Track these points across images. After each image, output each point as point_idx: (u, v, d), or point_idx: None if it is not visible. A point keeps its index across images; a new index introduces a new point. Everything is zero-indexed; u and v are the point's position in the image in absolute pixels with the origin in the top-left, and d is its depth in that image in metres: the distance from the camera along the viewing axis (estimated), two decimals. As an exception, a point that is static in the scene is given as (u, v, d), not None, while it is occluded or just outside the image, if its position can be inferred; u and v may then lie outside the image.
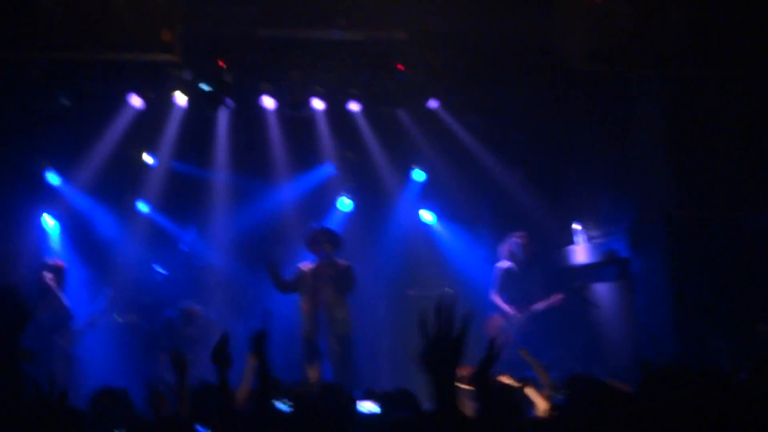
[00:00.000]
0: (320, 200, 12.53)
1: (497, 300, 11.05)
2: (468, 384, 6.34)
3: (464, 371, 6.48)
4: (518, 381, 6.23)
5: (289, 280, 10.00)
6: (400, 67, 10.52)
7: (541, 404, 6.15)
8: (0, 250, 10.60)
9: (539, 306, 10.86)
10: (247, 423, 4.25)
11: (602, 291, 10.79)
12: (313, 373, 8.02)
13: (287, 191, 12.35)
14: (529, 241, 11.06)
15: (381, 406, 5.03)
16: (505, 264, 11.12)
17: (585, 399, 5.10)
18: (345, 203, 12.45)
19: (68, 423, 4.61)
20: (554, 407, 5.32)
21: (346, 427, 4.59)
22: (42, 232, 11.33)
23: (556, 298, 10.80)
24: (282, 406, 5.27)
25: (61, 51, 8.73)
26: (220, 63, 10.20)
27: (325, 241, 9.99)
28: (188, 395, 5.39)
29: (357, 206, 12.53)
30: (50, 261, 10.40)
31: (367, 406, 5.03)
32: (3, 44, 8.44)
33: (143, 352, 10.94)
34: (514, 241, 11.12)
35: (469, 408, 6.62)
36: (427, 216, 12.77)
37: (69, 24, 8.36)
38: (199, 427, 5.22)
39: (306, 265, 10.11)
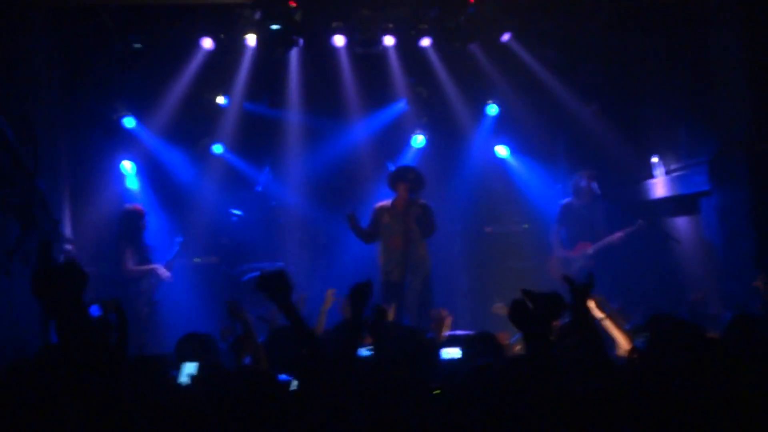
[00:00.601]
0: (394, 137, 12.48)
1: (552, 238, 11.05)
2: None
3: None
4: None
5: (370, 229, 9.90)
6: (471, 0, 10.31)
7: (622, 342, 6.05)
8: (82, 196, 10.74)
9: (600, 244, 10.76)
10: (333, 369, 4.25)
11: (683, 225, 10.60)
12: (390, 314, 7.98)
13: (360, 129, 12.33)
14: (593, 177, 10.92)
15: (462, 351, 5.01)
16: (564, 200, 11.06)
17: (668, 342, 5.02)
18: (418, 140, 12.37)
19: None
20: (635, 350, 5.23)
21: (431, 374, 4.58)
22: (121, 177, 11.46)
23: (617, 235, 10.67)
24: (364, 351, 5.29)
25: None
26: (291, 2, 10.11)
27: (408, 179, 9.80)
28: (257, 346, 5.45)
29: (431, 143, 12.44)
30: (130, 206, 10.54)
31: (450, 352, 5.02)
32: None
33: (224, 297, 11.10)
34: (577, 177, 11.02)
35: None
36: (502, 151, 12.65)
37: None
38: (281, 376, 5.27)
39: (384, 204, 9.99)
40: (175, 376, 5.28)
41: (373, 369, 4.49)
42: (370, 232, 9.90)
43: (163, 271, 10.27)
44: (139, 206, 10.58)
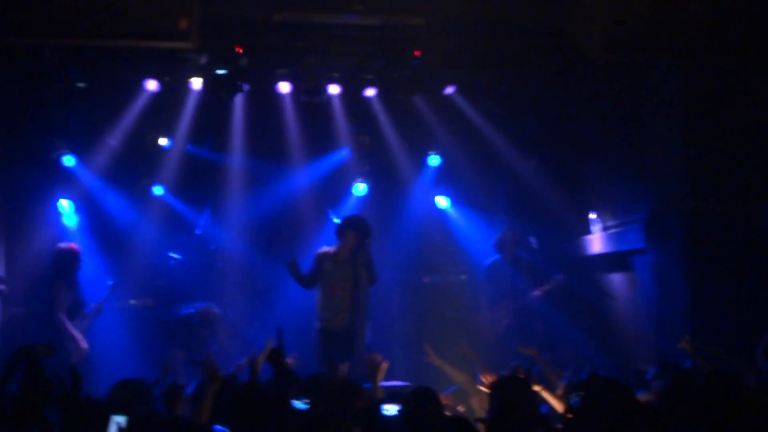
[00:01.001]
0: (335, 185, 12.52)
1: (481, 298, 11.44)
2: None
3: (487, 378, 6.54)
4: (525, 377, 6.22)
5: (311, 274, 9.83)
6: (416, 53, 10.42)
7: (556, 406, 6.14)
8: (17, 234, 10.57)
9: (519, 303, 10.91)
10: (268, 422, 4.23)
11: (618, 282, 10.76)
12: (342, 369, 7.96)
13: (302, 176, 12.34)
14: (513, 234, 11.08)
15: (401, 407, 5.01)
16: (490, 260, 11.34)
17: (601, 401, 5.09)
18: (360, 188, 12.42)
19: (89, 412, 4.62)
20: (570, 410, 5.29)
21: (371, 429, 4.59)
22: (58, 216, 11.30)
23: (535, 293, 10.82)
24: (299, 404, 5.27)
25: (76, 38, 8.72)
26: (237, 48, 10.14)
27: (359, 228, 9.76)
28: (210, 402, 5.41)
29: (372, 191, 12.50)
30: (65, 245, 10.38)
31: (389, 409, 5.01)
32: (18, 29, 8.42)
33: (157, 340, 10.99)
34: (501, 233, 11.20)
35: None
36: (442, 202, 12.75)
37: (84, 11, 8.34)
38: (217, 427, 5.24)
39: (327, 251, 9.93)
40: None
41: (309, 423, 4.48)
42: (311, 278, 9.83)
43: (82, 345, 9.98)
44: (74, 245, 10.41)
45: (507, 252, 11.12)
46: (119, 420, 5.14)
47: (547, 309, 11.08)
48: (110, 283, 10.64)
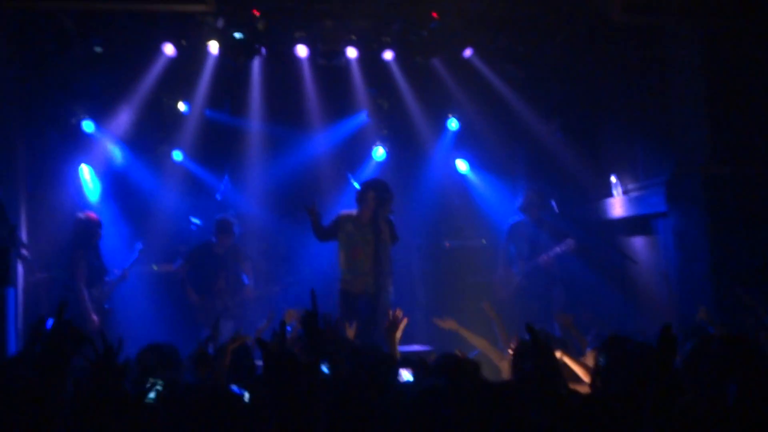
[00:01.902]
0: (354, 149, 12.51)
1: (499, 256, 11.34)
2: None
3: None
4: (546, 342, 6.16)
5: (329, 229, 9.80)
6: (434, 15, 10.35)
7: (579, 372, 6.10)
8: (38, 200, 10.60)
9: (530, 263, 10.87)
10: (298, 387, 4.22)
11: (639, 246, 10.71)
12: (350, 332, 7.92)
13: (321, 140, 12.33)
14: (539, 196, 11.01)
15: (414, 374, 4.99)
16: (514, 219, 11.26)
17: (624, 362, 5.06)
18: (379, 152, 12.40)
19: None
20: (598, 371, 5.26)
21: (386, 396, 4.57)
22: (78, 182, 11.33)
23: (543, 257, 10.76)
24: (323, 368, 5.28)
25: (95, 2, 8.71)
26: (254, 11, 10.09)
27: (379, 192, 9.63)
28: (223, 364, 5.43)
29: (391, 155, 12.48)
30: (84, 215, 10.40)
31: (405, 375, 5.00)
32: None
33: (179, 306, 11.04)
34: (524, 193, 11.13)
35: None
36: (462, 166, 12.71)
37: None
38: (234, 387, 5.26)
39: (349, 213, 9.83)
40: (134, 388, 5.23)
41: (332, 389, 4.46)
42: (327, 232, 9.75)
43: (92, 317, 9.94)
44: (92, 215, 10.41)
45: (531, 213, 11.03)
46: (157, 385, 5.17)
47: (566, 272, 11.04)
48: (139, 247, 10.67)
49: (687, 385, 4.58)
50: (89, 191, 11.34)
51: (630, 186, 10.77)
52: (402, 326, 6.65)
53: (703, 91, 9.35)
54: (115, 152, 11.52)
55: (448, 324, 8.42)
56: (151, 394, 4.62)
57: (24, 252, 9.88)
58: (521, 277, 10.94)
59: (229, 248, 10.98)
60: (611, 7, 9.02)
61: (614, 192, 10.97)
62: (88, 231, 10.20)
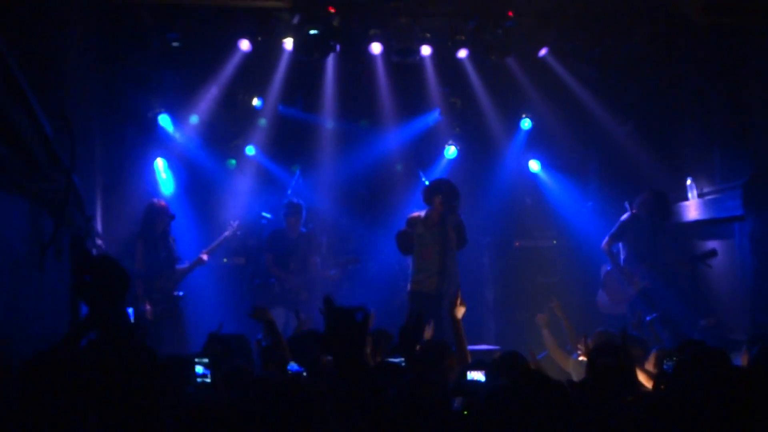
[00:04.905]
0: (426, 147, 12.51)
1: (610, 249, 10.82)
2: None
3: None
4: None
5: (404, 240, 9.78)
6: (509, 13, 10.28)
7: (641, 377, 6.00)
8: (114, 191, 10.78)
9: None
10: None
11: (716, 250, 10.50)
12: (427, 332, 7.90)
13: (393, 137, 12.35)
14: (654, 199, 10.67)
15: (486, 375, 4.97)
16: (628, 214, 10.83)
17: (695, 367, 4.98)
18: (451, 151, 12.38)
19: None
20: (663, 375, 5.21)
21: (456, 394, 4.57)
22: (153, 174, 11.52)
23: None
24: (396, 360, 5.33)
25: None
26: (330, 8, 10.13)
27: (444, 193, 9.59)
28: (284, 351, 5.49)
29: (463, 154, 12.45)
30: (153, 201, 10.56)
31: (475, 376, 4.99)
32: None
33: (247, 298, 11.15)
34: (643, 197, 10.74)
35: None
36: (534, 166, 12.63)
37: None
38: (293, 365, 5.32)
39: (418, 215, 9.83)
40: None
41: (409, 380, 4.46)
42: (408, 245, 9.79)
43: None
44: (162, 202, 10.53)
45: (644, 215, 10.66)
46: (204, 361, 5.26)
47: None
48: (236, 222, 10.99)
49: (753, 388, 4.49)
50: (164, 184, 11.51)
51: (706, 189, 10.57)
52: (461, 309, 6.63)
53: (785, 93, 9.15)
54: (190, 146, 11.68)
55: (542, 319, 8.41)
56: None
57: (99, 242, 10.05)
58: (645, 283, 10.54)
59: (301, 234, 11.08)
60: (692, 7, 8.88)
61: (689, 195, 10.78)
62: (153, 218, 10.32)
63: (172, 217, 10.38)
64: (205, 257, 10.59)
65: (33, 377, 3.84)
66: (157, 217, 10.36)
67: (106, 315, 2.94)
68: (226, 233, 10.87)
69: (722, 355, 5.19)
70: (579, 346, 7.10)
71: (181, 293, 10.36)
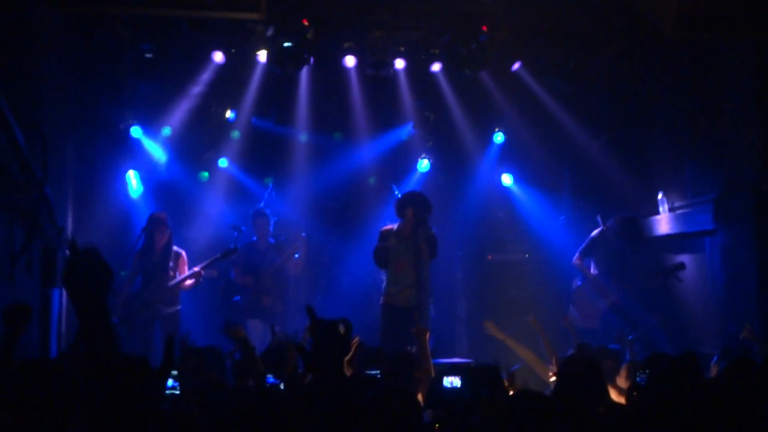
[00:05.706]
0: (399, 160, 12.51)
1: (580, 264, 10.86)
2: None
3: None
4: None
5: (380, 253, 9.70)
6: (483, 28, 10.31)
7: (614, 394, 6.03)
8: (85, 202, 10.72)
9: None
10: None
11: (686, 264, 10.56)
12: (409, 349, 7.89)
13: (366, 150, 12.35)
14: (623, 225, 10.70)
15: (462, 380, 4.98)
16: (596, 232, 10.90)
17: (666, 380, 5.01)
18: (424, 164, 12.40)
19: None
20: (635, 387, 5.23)
21: (431, 400, 4.58)
22: (124, 186, 11.46)
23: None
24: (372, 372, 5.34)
25: (147, 8, 8.79)
26: (304, 21, 10.13)
27: (417, 205, 9.56)
28: (258, 365, 5.46)
29: (435, 167, 12.47)
30: (157, 215, 10.57)
31: (452, 381, 5.00)
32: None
33: (221, 311, 11.11)
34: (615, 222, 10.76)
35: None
36: (506, 179, 12.67)
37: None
38: (270, 378, 5.30)
39: (391, 228, 9.79)
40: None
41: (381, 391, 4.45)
42: (383, 258, 9.71)
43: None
44: (160, 214, 10.58)
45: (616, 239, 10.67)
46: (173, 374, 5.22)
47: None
48: (239, 226, 10.97)
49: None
50: (135, 195, 11.46)
51: (677, 203, 10.65)
52: (425, 337, 6.66)
53: (756, 108, 9.22)
54: (162, 158, 11.63)
55: (492, 329, 8.41)
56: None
57: (67, 253, 9.98)
58: (614, 300, 10.59)
59: (270, 245, 11.06)
60: (664, 22, 8.92)
61: (661, 209, 10.85)
62: (151, 230, 10.39)
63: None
64: (199, 270, 10.53)
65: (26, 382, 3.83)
66: (147, 226, 10.35)
67: (94, 311, 2.91)
68: (228, 251, 10.76)
69: (693, 366, 5.22)
70: (554, 361, 7.13)
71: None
